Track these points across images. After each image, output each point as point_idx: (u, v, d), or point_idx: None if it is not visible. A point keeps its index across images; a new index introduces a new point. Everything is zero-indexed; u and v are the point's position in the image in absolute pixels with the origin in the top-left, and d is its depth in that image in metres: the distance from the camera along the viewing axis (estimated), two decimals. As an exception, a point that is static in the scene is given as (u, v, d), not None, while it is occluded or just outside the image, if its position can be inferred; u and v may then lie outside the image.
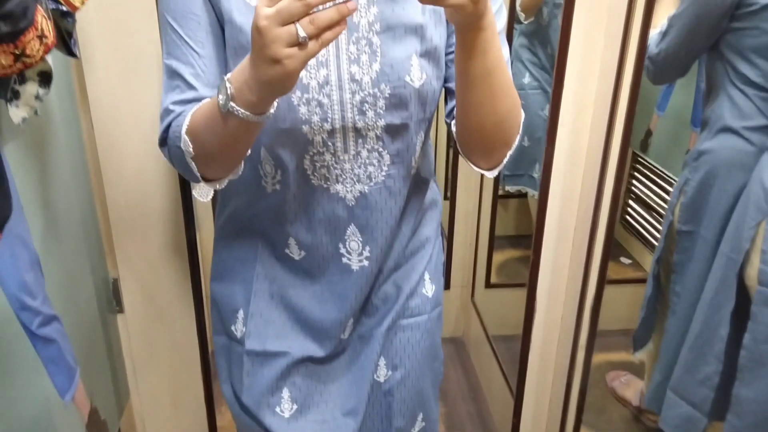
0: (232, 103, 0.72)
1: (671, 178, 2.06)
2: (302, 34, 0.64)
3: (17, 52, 0.65)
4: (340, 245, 0.95)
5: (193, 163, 0.82)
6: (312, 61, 0.82)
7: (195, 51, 0.84)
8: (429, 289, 1.07)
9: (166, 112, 0.85)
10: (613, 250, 2.80)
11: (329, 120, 0.86)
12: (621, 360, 2.24)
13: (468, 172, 2.25)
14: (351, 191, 0.91)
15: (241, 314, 1.01)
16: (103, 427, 1.29)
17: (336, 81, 0.84)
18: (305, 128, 0.86)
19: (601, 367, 2.20)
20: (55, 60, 0.91)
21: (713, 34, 1.43)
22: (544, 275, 1.52)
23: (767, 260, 1.32)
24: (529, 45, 2.13)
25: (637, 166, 2.66)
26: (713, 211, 1.54)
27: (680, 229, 1.63)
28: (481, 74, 0.77)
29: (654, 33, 1.46)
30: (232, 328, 1.02)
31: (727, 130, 1.50)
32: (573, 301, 1.52)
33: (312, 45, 0.65)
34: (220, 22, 0.85)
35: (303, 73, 0.82)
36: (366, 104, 0.86)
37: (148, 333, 1.40)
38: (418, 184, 0.99)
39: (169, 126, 0.84)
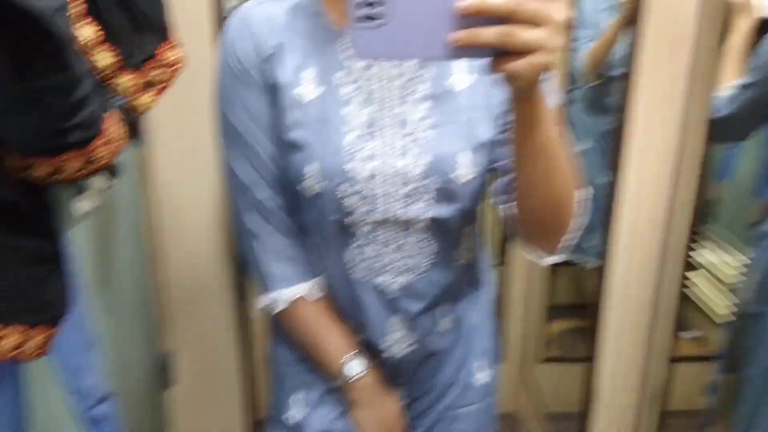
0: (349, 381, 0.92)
1: (735, 248, 1.97)
2: None
3: (87, 159, 0.67)
4: (380, 340, 0.93)
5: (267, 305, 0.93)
6: (360, 154, 0.82)
7: (259, 151, 0.86)
8: (479, 377, 1.03)
9: (253, 204, 0.89)
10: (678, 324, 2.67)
11: (375, 212, 0.85)
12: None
13: (521, 240, 2.19)
14: (394, 283, 0.90)
15: (291, 400, 1.00)
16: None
17: (383, 174, 0.84)
18: (349, 220, 0.86)
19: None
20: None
21: None
22: (607, 356, 1.46)
23: None
24: (587, 111, 2.10)
25: (699, 235, 2.56)
26: (785, 293, 1.45)
27: (750, 311, 1.54)
28: (540, 146, 0.72)
29: (721, 93, 1.42)
30: (283, 417, 1.00)
31: None
32: (637, 385, 1.44)
33: None
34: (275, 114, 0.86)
35: (350, 165, 0.83)
36: (413, 197, 0.85)
37: (199, 408, 1.39)
38: (466, 272, 0.97)
39: (252, 234, 0.90)
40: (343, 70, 0.83)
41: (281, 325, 0.98)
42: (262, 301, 0.93)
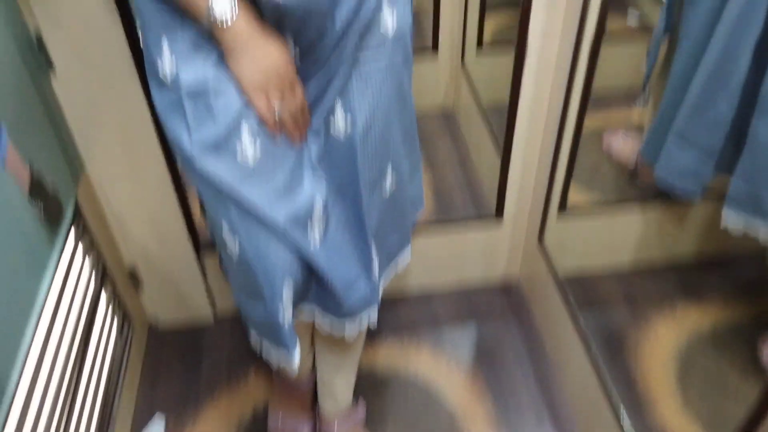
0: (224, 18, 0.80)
1: None
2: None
3: None
4: None
5: None
6: None
7: None
8: (388, 18, 0.92)
9: None
10: (618, 3, 2.54)
11: None
12: (622, 120, 2.11)
13: None
14: None
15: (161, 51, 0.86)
16: (50, 195, 1.21)
17: None
18: None
19: (599, 130, 2.09)
20: None
21: None
22: (535, 32, 1.34)
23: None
24: None
25: None
26: None
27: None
28: None
29: None
30: (159, 74, 0.88)
31: None
32: (566, 56, 1.34)
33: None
34: None
35: None
36: None
37: (89, 95, 1.25)
38: None
39: None
40: None
41: None
42: None
